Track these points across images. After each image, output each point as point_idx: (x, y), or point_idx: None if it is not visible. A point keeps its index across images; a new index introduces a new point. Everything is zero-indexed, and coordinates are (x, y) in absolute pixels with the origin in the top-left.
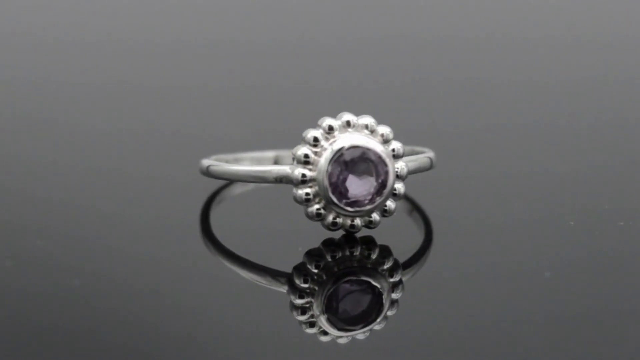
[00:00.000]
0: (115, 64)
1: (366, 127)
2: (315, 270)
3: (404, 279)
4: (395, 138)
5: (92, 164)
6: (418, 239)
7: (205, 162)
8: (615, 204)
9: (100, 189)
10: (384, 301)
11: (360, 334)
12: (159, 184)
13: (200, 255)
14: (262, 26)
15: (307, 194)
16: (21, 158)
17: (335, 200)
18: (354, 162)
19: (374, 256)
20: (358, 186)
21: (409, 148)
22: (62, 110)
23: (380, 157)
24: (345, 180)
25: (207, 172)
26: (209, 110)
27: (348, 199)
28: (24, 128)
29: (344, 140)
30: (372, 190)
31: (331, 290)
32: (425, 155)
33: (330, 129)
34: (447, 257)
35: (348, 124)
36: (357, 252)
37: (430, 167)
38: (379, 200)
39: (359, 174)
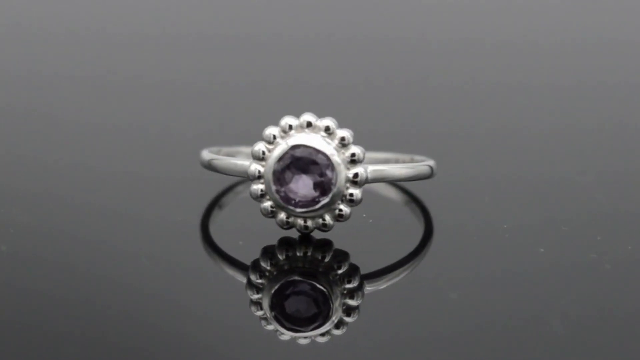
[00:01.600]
0: (108, 59)
1: (326, 129)
2: (268, 267)
3: (369, 288)
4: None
5: (85, 161)
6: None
7: (204, 152)
8: (615, 205)
9: (94, 186)
10: (332, 306)
11: (319, 337)
12: (155, 181)
13: (195, 253)
14: (261, 21)
15: (261, 190)
16: (15, 155)
17: (278, 197)
18: (300, 162)
19: (327, 259)
20: (300, 186)
21: (408, 157)
22: (55, 107)
23: (328, 160)
24: (288, 178)
25: (201, 162)
26: (206, 105)
27: (290, 197)
28: (17, 125)
29: (295, 139)
30: (315, 192)
31: (276, 288)
32: (424, 164)
33: (290, 127)
34: (442, 259)
35: (308, 124)
36: (309, 253)
37: (430, 175)
38: (322, 202)
39: (303, 174)
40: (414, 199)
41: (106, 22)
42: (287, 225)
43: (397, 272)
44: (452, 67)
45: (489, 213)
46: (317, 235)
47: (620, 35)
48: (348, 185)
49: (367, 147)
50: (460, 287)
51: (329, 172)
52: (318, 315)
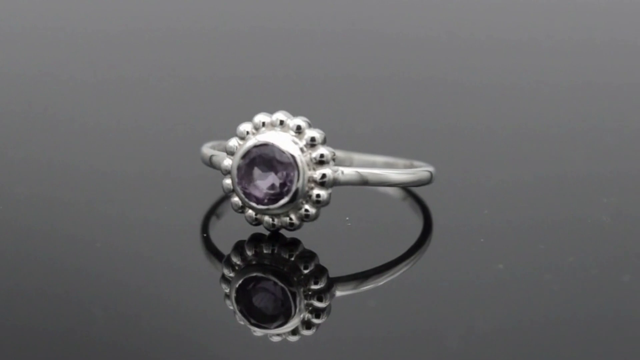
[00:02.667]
0: (100, 58)
1: (297, 128)
2: (240, 263)
3: (339, 292)
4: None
5: (82, 161)
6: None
7: (205, 148)
8: (614, 205)
9: (88, 187)
10: (293, 305)
11: (291, 337)
12: (154, 180)
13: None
14: (262, 17)
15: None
16: (14, 155)
17: (242, 193)
18: (263, 159)
19: (292, 259)
20: (262, 184)
21: (408, 162)
22: (51, 107)
23: (290, 159)
24: (251, 175)
25: (202, 159)
26: (204, 103)
27: (252, 194)
28: (17, 125)
29: (262, 137)
30: (275, 190)
31: (239, 284)
32: (425, 169)
33: (264, 124)
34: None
35: (280, 122)
36: (276, 251)
37: (430, 181)
38: (282, 202)
39: (263, 171)
40: (411, 195)
41: (101, 21)
42: (256, 222)
43: (397, 267)
44: (452, 66)
45: (488, 211)
46: (306, 232)
47: (624, 36)
48: (312, 185)
49: (366, 150)
50: (459, 286)
51: (290, 172)
52: (279, 314)
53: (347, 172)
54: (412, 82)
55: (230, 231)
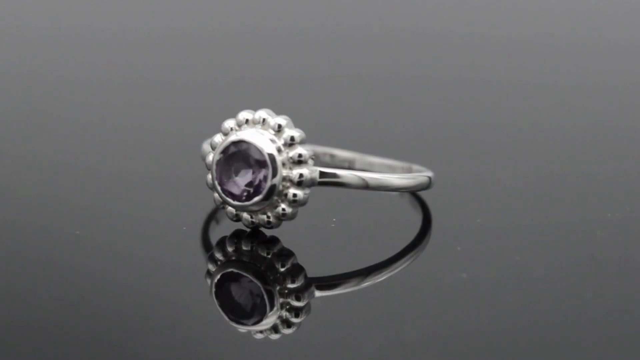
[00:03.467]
0: (96, 58)
1: (278, 127)
2: (222, 258)
3: (318, 293)
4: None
5: (79, 160)
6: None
7: (205, 145)
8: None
9: (88, 186)
10: (268, 303)
11: (273, 335)
12: (153, 180)
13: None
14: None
15: None
16: (14, 154)
17: (219, 189)
18: (239, 156)
19: (269, 256)
20: (237, 181)
21: (407, 165)
22: (49, 106)
23: (265, 157)
24: (227, 171)
25: (202, 156)
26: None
27: (227, 190)
28: (16, 125)
29: (241, 134)
30: (250, 188)
31: (217, 280)
32: (424, 174)
33: (247, 121)
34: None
35: (263, 120)
36: (254, 248)
37: (428, 186)
38: (255, 199)
39: (241, 168)
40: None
41: (97, 21)
42: (236, 218)
43: (398, 263)
44: (450, 63)
45: (486, 209)
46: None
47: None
48: (288, 184)
49: (365, 150)
50: (459, 284)
51: (264, 170)
52: (255, 311)
53: (347, 175)
54: (411, 81)
55: (228, 229)
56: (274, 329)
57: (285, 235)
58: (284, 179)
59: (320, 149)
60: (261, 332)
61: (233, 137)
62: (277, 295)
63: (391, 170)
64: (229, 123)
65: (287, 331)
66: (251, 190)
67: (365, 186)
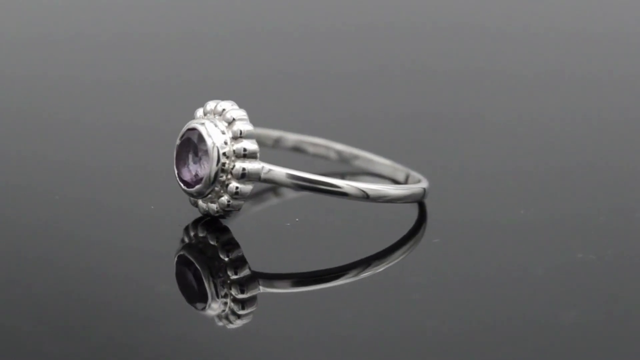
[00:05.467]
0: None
1: (232, 119)
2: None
3: (263, 287)
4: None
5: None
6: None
7: None
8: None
9: (88, 185)
10: (208, 290)
11: (230, 325)
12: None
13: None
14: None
15: None
16: (13, 154)
17: (175, 174)
18: (189, 144)
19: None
20: (186, 167)
21: (404, 170)
22: (46, 105)
23: (208, 147)
24: (181, 158)
25: None
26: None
27: (179, 176)
28: (15, 124)
29: (195, 122)
30: (193, 176)
31: (174, 264)
32: (419, 186)
33: (212, 112)
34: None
35: (222, 111)
36: (206, 236)
37: (422, 197)
38: (196, 187)
39: (188, 156)
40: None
41: (101, 22)
42: (195, 204)
43: (395, 254)
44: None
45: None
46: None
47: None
48: (229, 176)
49: (364, 148)
50: (458, 283)
51: (206, 160)
52: (198, 297)
53: (349, 187)
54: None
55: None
56: (227, 319)
57: (250, 229)
58: (225, 170)
59: (323, 142)
60: (219, 319)
61: (188, 125)
62: (218, 284)
63: (392, 169)
64: (199, 111)
65: (238, 322)
66: (195, 178)
67: (366, 197)
